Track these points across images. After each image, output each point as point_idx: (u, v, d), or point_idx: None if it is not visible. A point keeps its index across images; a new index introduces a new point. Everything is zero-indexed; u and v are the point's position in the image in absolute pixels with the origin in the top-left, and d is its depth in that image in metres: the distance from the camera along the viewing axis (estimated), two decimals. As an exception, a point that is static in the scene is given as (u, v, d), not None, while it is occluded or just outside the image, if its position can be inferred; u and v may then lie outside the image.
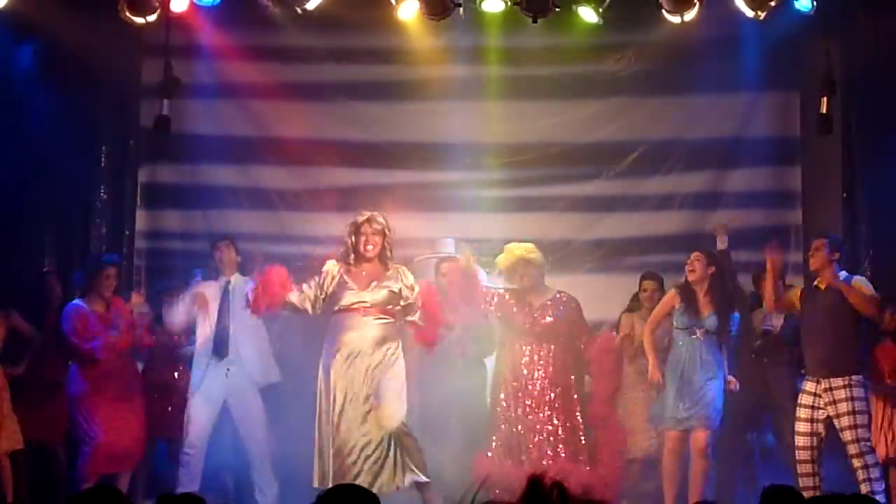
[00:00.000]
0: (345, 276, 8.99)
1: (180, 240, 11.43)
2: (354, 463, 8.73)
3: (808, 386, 9.04)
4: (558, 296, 9.64)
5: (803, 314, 9.24)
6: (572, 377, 9.59)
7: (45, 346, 9.80)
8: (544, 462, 9.25)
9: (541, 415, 9.37)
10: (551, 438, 9.34)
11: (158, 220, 11.63)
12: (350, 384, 8.81)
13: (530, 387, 9.42)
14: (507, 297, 9.59)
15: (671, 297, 9.55)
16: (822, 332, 9.01)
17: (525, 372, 9.46)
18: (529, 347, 9.47)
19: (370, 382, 8.81)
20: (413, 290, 9.02)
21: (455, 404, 9.62)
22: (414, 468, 8.83)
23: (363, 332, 8.89)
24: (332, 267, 9.05)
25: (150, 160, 11.64)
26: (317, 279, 9.02)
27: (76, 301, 9.74)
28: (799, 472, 8.95)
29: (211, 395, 9.61)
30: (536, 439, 9.35)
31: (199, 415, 9.58)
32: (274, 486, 9.65)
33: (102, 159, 11.44)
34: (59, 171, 11.16)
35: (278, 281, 8.99)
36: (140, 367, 10.21)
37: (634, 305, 10.27)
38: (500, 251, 9.89)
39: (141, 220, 11.59)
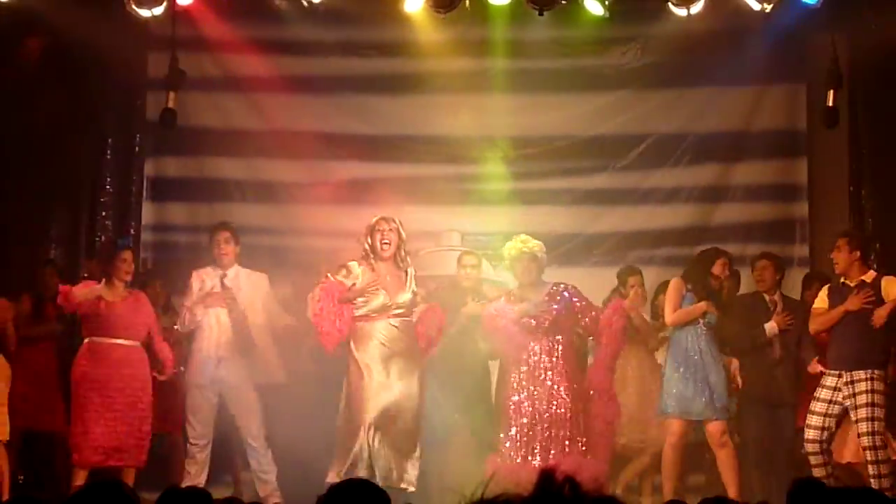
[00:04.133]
0: (372, 280, 8.99)
1: (186, 233, 11.42)
2: (371, 457, 8.81)
3: (829, 381, 9.06)
4: (555, 288, 9.55)
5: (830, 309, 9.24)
6: (578, 365, 9.56)
7: (42, 335, 9.85)
8: (555, 454, 9.22)
9: (552, 409, 9.34)
10: (562, 431, 9.31)
11: (164, 213, 11.63)
12: (386, 384, 8.87)
13: (540, 382, 9.38)
14: (510, 295, 9.55)
15: (678, 285, 9.53)
16: (853, 326, 9.00)
17: (534, 368, 9.41)
18: (538, 345, 9.42)
19: (403, 381, 8.89)
20: (417, 296, 9.10)
21: (461, 405, 9.63)
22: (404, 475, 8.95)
23: (397, 335, 8.94)
24: (356, 268, 9.04)
25: (156, 153, 11.64)
26: (348, 275, 9.03)
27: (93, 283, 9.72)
28: (811, 463, 9.00)
29: (207, 388, 9.63)
30: (549, 434, 9.31)
31: (201, 407, 9.61)
32: (273, 472, 9.65)
33: (108, 152, 11.45)
34: (64, 164, 11.17)
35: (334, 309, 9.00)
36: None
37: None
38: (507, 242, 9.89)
39: (147, 212, 11.59)
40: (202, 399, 9.61)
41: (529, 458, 9.23)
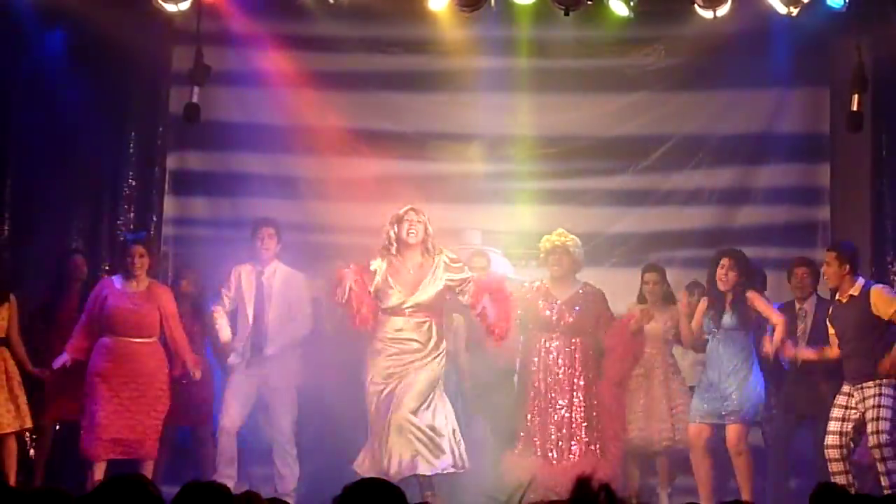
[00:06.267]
0: (389, 277, 9.04)
1: (208, 227, 11.44)
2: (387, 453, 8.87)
3: (844, 388, 9.14)
4: (583, 290, 9.64)
5: (834, 328, 9.27)
6: (596, 368, 9.61)
7: (68, 324, 9.87)
8: (571, 456, 9.28)
9: (567, 409, 9.39)
10: (577, 432, 9.36)
11: (186, 207, 11.64)
12: (397, 384, 8.92)
13: (558, 381, 9.44)
14: (533, 289, 9.60)
15: (703, 306, 9.57)
16: (853, 341, 9.08)
17: (553, 367, 9.47)
18: (557, 343, 9.48)
19: (411, 380, 8.92)
20: (462, 270, 9.12)
21: (483, 406, 9.66)
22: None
23: (410, 334, 8.96)
24: (378, 265, 9.11)
25: (179, 147, 11.65)
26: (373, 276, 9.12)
27: (113, 277, 9.79)
28: (831, 470, 9.02)
29: (246, 383, 9.68)
30: (564, 433, 9.36)
31: (234, 401, 9.66)
32: (296, 471, 9.70)
33: (131, 145, 11.44)
34: (88, 157, 11.19)
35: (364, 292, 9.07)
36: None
37: (641, 300, 10.28)
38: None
39: (169, 206, 11.60)
40: (235, 388, 9.69)
41: (541, 455, 9.29)
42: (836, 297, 9.28)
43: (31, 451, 10.06)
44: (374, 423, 9.01)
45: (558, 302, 9.54)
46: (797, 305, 10.00)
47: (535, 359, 9.54)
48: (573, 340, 9.50)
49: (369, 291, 9.09)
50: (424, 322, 9.06)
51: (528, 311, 9.62)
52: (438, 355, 9.06)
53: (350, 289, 9.02)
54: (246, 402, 9.74)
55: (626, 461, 9.76)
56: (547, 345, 9.52)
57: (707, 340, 9.58)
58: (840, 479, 8.91)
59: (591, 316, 9.56)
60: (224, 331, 9.81)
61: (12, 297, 9.61)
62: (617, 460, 9.45)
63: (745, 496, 9.10)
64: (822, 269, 9.37)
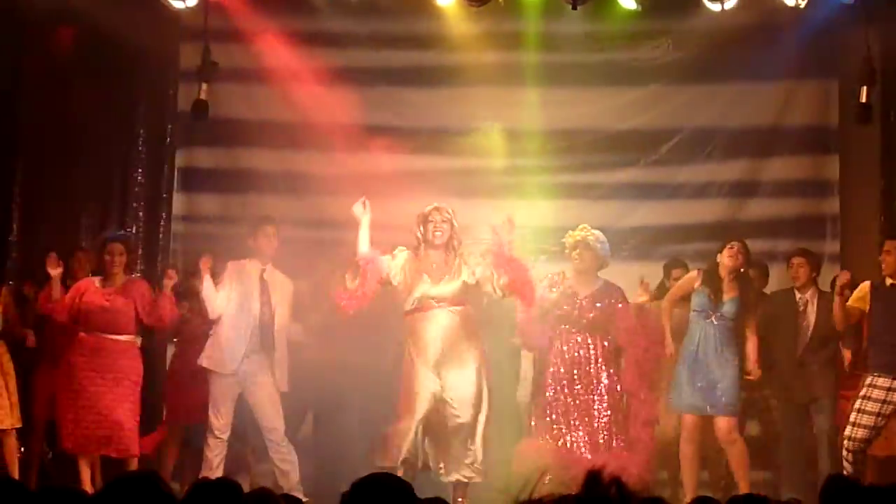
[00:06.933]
0: (416, 266, 9.08)
1: (217, 223, 11.44)
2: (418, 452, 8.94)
3: (881, 381, 9.06)
4: (603, 287, 9.66)
5: (874, 311, 9.21)
6: (616, 363, 9.61)
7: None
8: (592, 450, 9.30)
9: (590, 401, 9.42)
10: (599, 426, 9.39)
11: (195, 204, 11.65)
12: (435, 378, 8.93)
13: (580, 375, 9.45)
14: (555, 282, 9.62)
15: (692, 277, 9.56)
16: None
17: (575, 360, 9.48)
18: (579, 337, 9.50)
19: (455, 374, 8.94)
20: (479, 267, 9.14)
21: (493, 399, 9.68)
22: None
23: (444, 325, 8.98)
24: (404, 253, 9.16)
25: (188, 144, 11.65)
26: (391, 261, 9.14)
27: (89, 278, 9.76)
28: (849, 460, 9.01)
29: (230, 379, 9.62)
30: (584, 425, 9.38)
31: (224, 398, 9.62)
32: (296, 463, 9.63)
33: (140, 143, 11.46)
34: (96, 155, 11.22)
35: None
36: (171, 351, 10.43)
37: (659, 294, 10.26)
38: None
39: (178, 203, 11.61)
40: (226, 389, 9.62)
41: (566, 447, 9.31)
42: (891, 283, 9.21)
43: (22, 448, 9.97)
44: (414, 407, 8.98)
45: (580, 297, 9.57)
46: (797, 294, 10.00)
47: (557, 352, 9.54)
48: (595, 334, 9.52)
49: (381, 272, 9.12)
50: (460, 310, 9.08)
51: (549, 304, 9.63)
52: (473, 350, 9.07)
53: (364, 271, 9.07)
54: (233, 402, 9.67)
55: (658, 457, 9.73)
56: (567, 339, 9.53)
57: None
58: (850, 469, 8.91)
59: (612, 311, 9.58)
60: (213, 301, 9.74)
61: (4, 289, 9.65)
62: (646, 451, 9.42)
63: (743, 485, 9.09)
64: (881, 258, 9.29)
